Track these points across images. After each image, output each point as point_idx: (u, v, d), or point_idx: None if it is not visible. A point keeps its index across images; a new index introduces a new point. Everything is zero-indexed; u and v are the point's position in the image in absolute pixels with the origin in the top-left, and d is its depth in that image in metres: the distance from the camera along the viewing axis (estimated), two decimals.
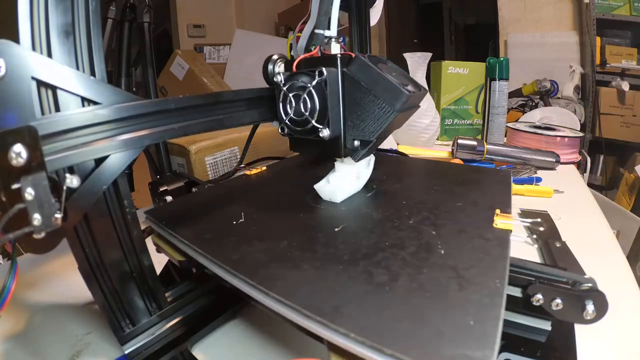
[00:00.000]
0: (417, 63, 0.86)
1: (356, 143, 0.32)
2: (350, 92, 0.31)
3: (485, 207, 0.31)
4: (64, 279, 0.42)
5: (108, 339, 0.31)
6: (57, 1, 0.20)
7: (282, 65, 0.35)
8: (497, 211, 0.30)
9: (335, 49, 0.33)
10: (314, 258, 0.25)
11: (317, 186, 0.35)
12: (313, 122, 0.31)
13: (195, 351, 0.30)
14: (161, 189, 0.50)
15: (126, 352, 0.27)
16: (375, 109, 0.30)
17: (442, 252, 0.25)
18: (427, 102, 0.87)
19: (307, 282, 0.22)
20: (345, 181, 0.35)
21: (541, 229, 0.46)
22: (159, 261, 0.31)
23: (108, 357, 0.29)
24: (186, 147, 0.63)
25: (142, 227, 0.28)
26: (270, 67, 0.35)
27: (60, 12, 0.21)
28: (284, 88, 0.32)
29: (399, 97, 0.29)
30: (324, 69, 0.30)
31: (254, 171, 0.45)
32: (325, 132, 0.31)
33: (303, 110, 0.31)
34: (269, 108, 0.34)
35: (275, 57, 0.36)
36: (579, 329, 0.28)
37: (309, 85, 0.30)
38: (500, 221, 0.28)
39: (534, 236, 0.45)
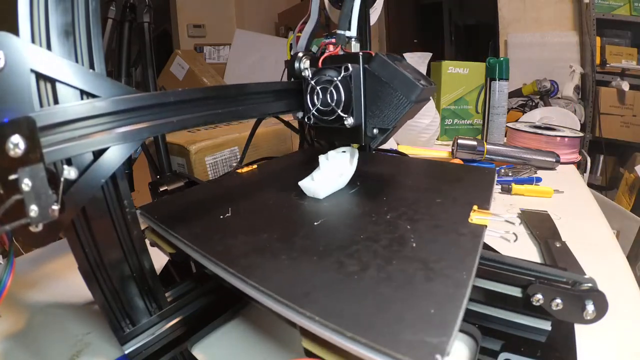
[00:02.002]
0: (417, 63, 0.86)
1: (375, 131, 0.36)
2: (371, 86, 0.34)
3: (464, 203, 0.32)
4: (64, 279, 0.42)
5: (108, 339, 0.31)
6: (57, 1, 0.20)
7: (307, 61, 0.39)
8: (475, 207, 0.30)
9: (356, 47, 0.37)
10: (292, 249, 0.26)
11: (301, 183, 0.36)
12: (339, 111, 0.35)
13: (195, 351, 0.30)
14: (161, 189, 0.50)
15: (126, 352, 0.27)
16: (393, 100, 0.34)
17: (414, 245, 0.25)
18: (427, 102, 0.87)
19: (283, 270, 0.23)
20: (328, 178, 0.37)
21: (541, 229, 0.46)
22: (159, 261, 0.31)
23: (108, 357, 0.29)
24: (186, 147, 0.63)
25: (142, 227, 0.28)
26: (297, 64, 0.39)
27: (60, 12, 0.21)
28: (312, 82, 0.36)
29: (414, 89, 0.33)
30: (349, 64, 0.33)
31: (245, 169, 0.45)
32: (349, 121, 0.34)
33: (330, 101, 0.35)
34: (293, 99, 0.38)
35: (300, 54, 0.39)
36: (579, 329, 0.28)
37: (336, 79, 0.34)
38: (476, 217, 0.29)
39: (536, 234, 0.45)
